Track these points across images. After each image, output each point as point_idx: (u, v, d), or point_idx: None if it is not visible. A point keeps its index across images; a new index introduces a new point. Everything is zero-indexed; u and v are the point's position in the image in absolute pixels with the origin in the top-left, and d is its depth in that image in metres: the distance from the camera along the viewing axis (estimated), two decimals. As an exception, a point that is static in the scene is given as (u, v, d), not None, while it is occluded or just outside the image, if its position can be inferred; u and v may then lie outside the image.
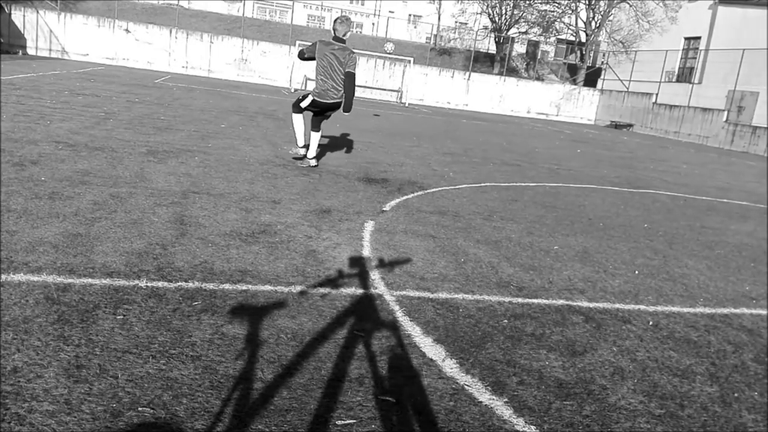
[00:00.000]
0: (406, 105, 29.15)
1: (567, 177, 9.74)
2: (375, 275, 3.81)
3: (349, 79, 6.89)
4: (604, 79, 37.16)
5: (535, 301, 3.72)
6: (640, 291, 4.19)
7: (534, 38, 40.86)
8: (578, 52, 39.89)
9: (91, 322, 2.71)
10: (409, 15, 55.67)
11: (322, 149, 9.37)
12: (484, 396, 2.50)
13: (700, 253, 5.53)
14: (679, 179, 11.39)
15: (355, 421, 2.22)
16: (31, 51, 28.11)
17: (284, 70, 30.30)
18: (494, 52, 40.42)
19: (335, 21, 6.98)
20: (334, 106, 7.15)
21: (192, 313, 2.93)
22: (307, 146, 7.40)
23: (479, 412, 2.38)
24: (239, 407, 2.21)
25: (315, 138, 7.48)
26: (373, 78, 32.27)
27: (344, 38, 6.93)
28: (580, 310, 3.67)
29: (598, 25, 37.04)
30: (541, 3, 38.11)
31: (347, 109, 7.08)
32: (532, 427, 2.33)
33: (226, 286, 3.32)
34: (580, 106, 36.03)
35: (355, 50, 7.67)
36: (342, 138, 11.18)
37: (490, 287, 3.86)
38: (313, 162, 7.44)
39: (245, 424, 2.12)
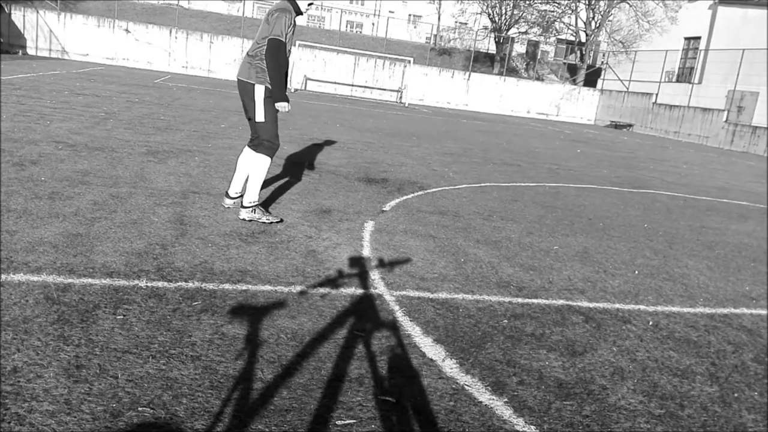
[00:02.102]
0: (406, 105, 29.14)
1: (567, 177, 9.74)
2: (375, 275, 3.81)
3: (270, 51, 4.36)
4: (604, 79, 37.17)
5: (535, 301, 3.72)
6: (640, 291, 4.19)
7: (534, 38, 40.88)
8: (578, 52, 39.89)
9: (91, 322, 2.71)
10: (409, 15, 55.66)
11: (321, 152, 9.36)
12: (484, 396, 2.50)
13: (700, 253, 5.53)
14: (679, 179, 11.39)
15: (355, 421, 2.22)
16: (31, 51, 28.11)
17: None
18: (494, 52, 40.44)
19: None
20: (245, 89, 4.57)
21: (192, 313, 2.93)
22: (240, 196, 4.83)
23: (479, 412, 2.38)
24: (239, 407, 2.21)
25: (240, 165, 4.81)
26: (373, 78, 32.27)
27: None
28: (580, 310, 3.67)
29: (598, 25, 37.05)
30: (541, 3, 38.13)
31: (277, 98, 4.47)
32: (532, 427, 2.33)
33: (226, 286, 3.32)
34: (580, 106, 36.03)
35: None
36: (341, 138, 11.18)
37: (490, 287, 3.86)
38: (246, 213, 4.65)
39: (245, 424, 2.12)
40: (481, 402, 2.45)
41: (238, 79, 4.63)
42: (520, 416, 2.39)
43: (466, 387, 2.55)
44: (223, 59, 30.43)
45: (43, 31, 28.22)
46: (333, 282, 3.60)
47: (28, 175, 5.26)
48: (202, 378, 2.37)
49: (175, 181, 5.81)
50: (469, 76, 34.06)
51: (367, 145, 10.68)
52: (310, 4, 4.61)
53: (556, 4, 37.78)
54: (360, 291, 3.51)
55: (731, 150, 25.03)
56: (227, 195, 4.87)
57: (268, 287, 3.38)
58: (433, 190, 7.09)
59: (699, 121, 27.80)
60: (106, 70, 23.31)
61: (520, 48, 43.97)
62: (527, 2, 38.39)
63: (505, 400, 2.49)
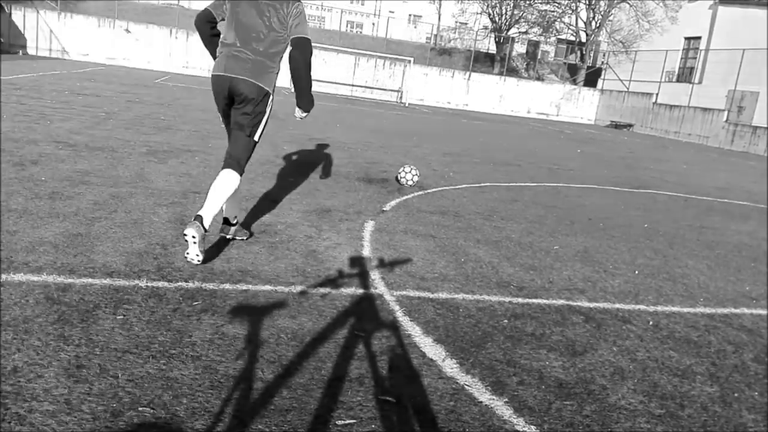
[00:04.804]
0: (406, 105, 29.14)
1: (567, 177, 9.74)
2: (375, 275, 3.81)
3: (302, 51, 3.59)
4: (604, 79, 37.16)
5: (535, 301, 3.72)
6: (640, 291, 4.19)
7: (534, 38, 40.88)
8: (578, 52, 39.90)
9: (91, 322, 2.71)
10: (409, 15, 55.64)
11: (321, 152, 9.35)
12: (484, 396, 2.50)
13: (700, 253, 5.53)
14: (679, 179, 11.38)
15: (355, 421, 2.22)
16: (31, 51, 28.10)
17: (285, 70, 30.29)
18: (494, 52, 40.43)
19: None
20: (238, 93, 3.61)
21: (192, 313, 2.93)
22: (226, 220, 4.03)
23: (479, 412, 2.38)
24: (239, 407, 2.21)
25: (217, 187, 3.60)
26: (374, 78, 32.27)
27: None
28: (580, 310, 3.67)
29: (598, 25, 37.06)
30: (541, 3, 38.13)
31: (304, 106, 3.76)
32: (532, 427, 2.33)
33: (227, 286, 3.32)
34: (580, 106, 36.02)
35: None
36: (341, 138, 11.18)
37: (490, 287, 3.86)
38: (236, 233, 4.08)
39: (245, 424, 2.12)
40: (481, 402, 2.45)
41: (240, 78, 3.57)
42: (521, 416, 2.39)
43: (466, 387, 2.55)
44: (224, 59, 30.39)
45: (43, 31, 28.22)
46: (333, 282, 3.60)
47: (28, 175, 5.26)
48: (203, 378, 2.37)
49: (176, 181, 5.81)
50: (470, 76, 34.05)
51: (367, 145, 10.68)
52: None
53: (557, 4, 37.78)
54: (360, 291, 3.51)
55: (731, 150, 25.03)
56: (201, 220, 3.45)
57: (268, 287, 3.38)
58: (434, 190, 7.09)
59: (699, 121, 27.80)
60: (106, 70, 23.31)
61: (520, 48, 43.97)
62: (527, 2, 38.38)
63: (506, 400, 2.49)
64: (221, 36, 3.70)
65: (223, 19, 3.68)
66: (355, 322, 3.07)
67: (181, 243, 3.94)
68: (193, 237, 3.37)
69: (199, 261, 3.46)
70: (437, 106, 32.06)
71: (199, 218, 3.45)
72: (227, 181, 3.61)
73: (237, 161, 3.69)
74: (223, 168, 3.67)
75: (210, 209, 3.51)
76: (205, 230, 3.44)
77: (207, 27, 3.76)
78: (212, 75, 3.71)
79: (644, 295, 4.12)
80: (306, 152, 8.75)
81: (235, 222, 4.03)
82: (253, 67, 3.58)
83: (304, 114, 3.80)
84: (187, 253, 3.44)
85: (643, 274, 4.61)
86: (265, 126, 3.78)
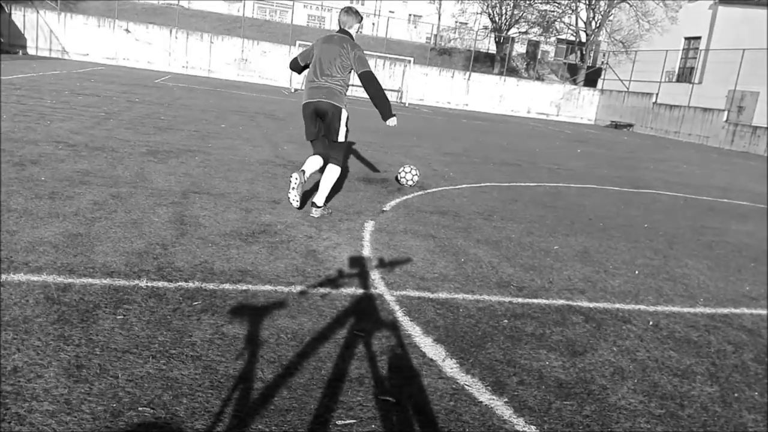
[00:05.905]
0: (406, 105, 29.14)
1: (567, 177, 9.74)
2: (375, 275, 3.81)
3: (368, 80, 5.04)
4: (604, 79, 37.16)
5: (535, 301, 3.72)
6: (640, 291, 4.19)
7: (534, 38, 40.88)
8: (578, 52, 39.90)
9: (91, 322, 2.71)
10: (409, 15, 55.63)
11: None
12: (484, 396, 2.50)
13: (700, 253, 5.53)
14: (679, 179, 11.39)
15: (355, 421, 2.22)
16: (31, 51, 28.11)
17: (284, 69, 30.29)
18: (494, 52, 40.43)
19: (340, 12, 5.36)
20: (321, 112, 5.04)
21: (192, 313, 2.93)
22: (303, 171, 5.06)
23: (479, 412, 2.38)
24: (239, 407, 2.21)
25: (326, 177, 5.15)
26: (373, 78, 32.21)
27: (349, 31, 5.21)
28: (580, 310, 3.67)
29: (598, 25, 37.05)
30: (541, 3, 38.12)
31: (385, 114, 5.11)
32: (532, 427, 2.33)
33: (226, 286, 3.32)
34: (580, 106, 36.02)
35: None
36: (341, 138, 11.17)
37: (490, 287, 3.86)
38: (316, 212, 5.15)
39: (245, 424, 2.12)
40: (481, 402, 2.45)
41: (320, 101, 5.01)
42: (521, 416, 2.39)
43: (466, 387, 2.56)
44: (223, 59, 30.42)
45: (43, 31, 28.22)
46: (333, 282, 3.60)
47: (28, 175, 5.26)
48: (203, 378, 2.37)
49: (176, 181, 5.81)
50: (470, 76, 34.05)
51: (367, 145, 10.68)
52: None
53: (557, 4, 37.77)
54: (360, 291, 3.51)
55: (731, 150, 25.03)
56: (315, 205, 5.17)
57: (268, 287, 3.38)
58: (434, 190, 7.09)
59: (699, 121, 27.80)
60: (106, 70, 23.32)
61: (520, 48, 43.97)
62: (527, 2, 38.38)
63: (505, 400, 2.49)
64: (308, 75, 5.21)
65: (307, 65, 5.29)
66: (355, 322, 3.07)
67: (180, 243, 3.95)
68: (317, 214, 5.15)
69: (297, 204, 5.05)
70: (437, 106, 32.05)
71: (314, 204, 5.15)
72: (332, 172, 5.14)
73: (336, 158, 5.19)
74: (327, 164, 5.18)
75: (323, 194, 5.15)
76: (321, 207, 5.17)
77: (300, 69, 5.43)
78: (303, 103, 5.13)
79: (644, 295, 4.12)
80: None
81: (321, 205, 5.17)
82: (328, 92, 5.04)
83: (391, 120, 5.16)
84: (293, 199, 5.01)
85: (643, 274, 4.61)
86: (345, 132, 5.15)
